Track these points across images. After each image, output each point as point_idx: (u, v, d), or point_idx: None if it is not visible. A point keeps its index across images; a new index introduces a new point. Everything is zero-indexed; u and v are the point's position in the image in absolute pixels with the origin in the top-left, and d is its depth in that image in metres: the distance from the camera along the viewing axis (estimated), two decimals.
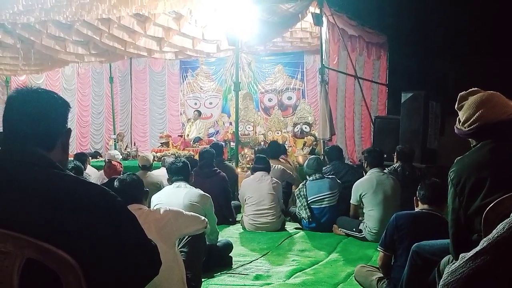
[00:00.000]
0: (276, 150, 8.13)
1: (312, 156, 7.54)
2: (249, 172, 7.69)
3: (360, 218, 6.11)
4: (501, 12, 9.90)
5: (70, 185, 1.52)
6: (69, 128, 1.70)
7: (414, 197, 3.90)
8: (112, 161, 7.85)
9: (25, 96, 1.61)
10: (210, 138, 13.20)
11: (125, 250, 1.54)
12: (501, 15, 9.96)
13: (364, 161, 6.33)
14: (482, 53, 10.31)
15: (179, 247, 3.65)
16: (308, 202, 6.34)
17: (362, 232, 5.89)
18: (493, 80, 8.11)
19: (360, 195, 5.90)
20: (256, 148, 9.03)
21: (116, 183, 3.33)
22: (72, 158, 7.36)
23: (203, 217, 3.54)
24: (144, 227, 1.67)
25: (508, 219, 1.29)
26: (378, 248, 4.01)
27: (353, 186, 6.04)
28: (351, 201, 6.08)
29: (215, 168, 7.00)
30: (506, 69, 9.72)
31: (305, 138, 11.34)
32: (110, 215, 1.53)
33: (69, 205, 1.45)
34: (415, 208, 3.90)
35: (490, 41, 10.32)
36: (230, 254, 5.03)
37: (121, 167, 7.60)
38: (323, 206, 6.33)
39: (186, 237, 3.83)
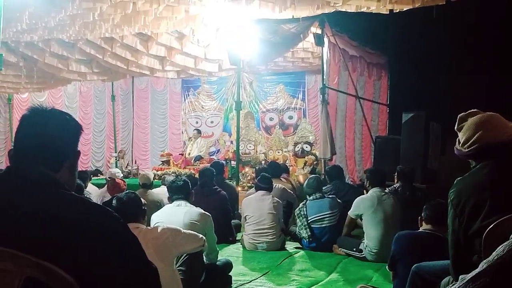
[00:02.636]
0: (276, 169, 8.13)
1: (312, 175, 7.53)
2: (249, 190, 7.68)
3: (360, 239, 6.09)
4: (502, 31, 9.96)
5: (73, 205, 1.52)
6: (78, 151, 1.71)
7: (419, 217, 3.91)
8: (116, 179, 7.88)
9: (38, 116, 1.62)
10: (211, 157, 13.21)
11: (125, 272, 1.54)
12: (501, 35, 10.01)
13: (366, 180, 6.33)
14: (483, 73, 10.35)
15: (176, 266, 3.64)
16: (309, 221, 6.32)
17: (362, 252, 5.86)
18: (494, 100, 8.14)
19: (359, 213, 5.90)
20: (257, 167, 9.04)
21: (114, 202, 3.33)
22: None
23: (201, 235, 3.54)
24: (142, 246, 1.66)
25: (508, 241, 1.30)
26: (387, 268, 4.04)
27: (355, 201, 6.02)
28: (349, 213, 6.07)
29: (216, 187, 6.99)
30: (506, 89, 9.75)
31: (306, 157, 11.34)
32: (112, 236, 1.52)
33: (71, 225, 1.45)
34: (419, 227, 3.90)
35: (491, 61, 10.36)
36: (229, 273, 5.00)
37: (125, 185, 7.64)
38: (323, 225, 6.31)
39: (184, 256, 3.82)
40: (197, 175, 7.94)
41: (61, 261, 1.37)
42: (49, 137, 1.60)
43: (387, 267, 4.02)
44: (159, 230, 3.21)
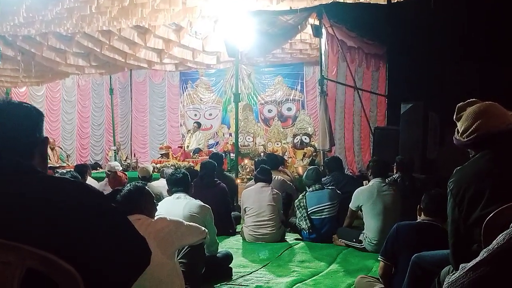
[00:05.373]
0: (274, 161, 8.14)
1: (311, 166, 7.53)
2: (249, 182, 7.69)
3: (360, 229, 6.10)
4: (500, 20, 9.94)
5: (60, 189, 1.52)
6: (46, 137, 1.72)
7: (418, 207, 3.90)
8: (118, 172, 7.89)
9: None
10: (210, 149, 13.20)
11: (117, 250, 1.53)
12: (500, 24, 9.99)
13: (368, 170, 6.32)
14: (482, 62, 10.34)
15: (178, 258, 3.64)
16: (308, 212, 6.34)
17: (362, 242, 5.87)
18: (492, 89, 8.12)
19: (359, 204, 5.91)
20: (256, 160, 9.04)
21: (118, 196, 3.31)
22: (71, 169, 7.44)
23: (203, 228, 3.54)
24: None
25: (508, 230, 1.30)
26: (379, 258, 4.01)
27: (355, 192, 6.01)
28: (349, 205, 6.07)
29: (216, 179, 6.99)
30: (505, 77, 9.74)
31: (305, 149, 11.33)
32: (99, 215, 1.53)
33: (63, 209, 1.45)
34: (418, 217, 3.90)
35: (489, 50, 10.35)
36: (230, 265, 5.01)
37: (126, 178, 7.63)
38: (323, 216, 6.32)
39: (185, 248, 3.82)
40: (196, 168, 7.94)
41: (60, 249, 1.37)
42: (16, 127, 1.61)
43: (380, 255, 3.97)
44: (161, 223, 3.17)
